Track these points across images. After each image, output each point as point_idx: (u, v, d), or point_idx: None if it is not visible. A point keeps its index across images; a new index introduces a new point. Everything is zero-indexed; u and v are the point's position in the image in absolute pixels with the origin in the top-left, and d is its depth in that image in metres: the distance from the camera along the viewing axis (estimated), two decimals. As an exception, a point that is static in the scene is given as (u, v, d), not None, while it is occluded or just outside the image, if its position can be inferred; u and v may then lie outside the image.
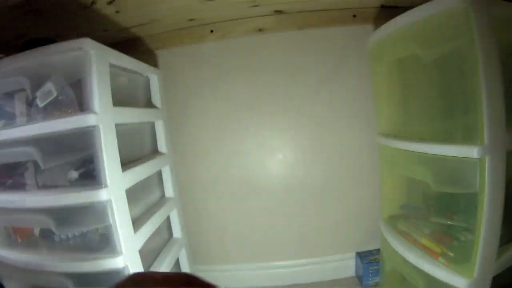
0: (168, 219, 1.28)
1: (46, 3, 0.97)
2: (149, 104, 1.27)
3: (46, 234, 1.02)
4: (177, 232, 1.32)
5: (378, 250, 1.36)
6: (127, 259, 0.85)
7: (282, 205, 1.45)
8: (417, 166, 0.91)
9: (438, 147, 0.82)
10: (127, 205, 0.89)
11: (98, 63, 0.83)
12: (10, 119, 0.96)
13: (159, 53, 1.44)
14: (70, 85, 0.89)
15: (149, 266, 1.05)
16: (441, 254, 0.86)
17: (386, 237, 1.08)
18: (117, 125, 0.89)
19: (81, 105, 0.85)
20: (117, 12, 1.10)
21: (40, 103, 0.90)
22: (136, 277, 0.35)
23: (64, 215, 0.86)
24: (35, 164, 0.92)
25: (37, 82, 0.89)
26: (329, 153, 1.41)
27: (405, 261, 0.95)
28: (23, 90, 0.91)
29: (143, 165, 1.04)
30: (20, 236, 1.03)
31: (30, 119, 0.92)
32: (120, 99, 0.94)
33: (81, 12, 1.06)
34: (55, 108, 0.89)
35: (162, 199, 1.27)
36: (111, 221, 0.82)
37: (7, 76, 0.89)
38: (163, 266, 1.08)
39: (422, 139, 0.90)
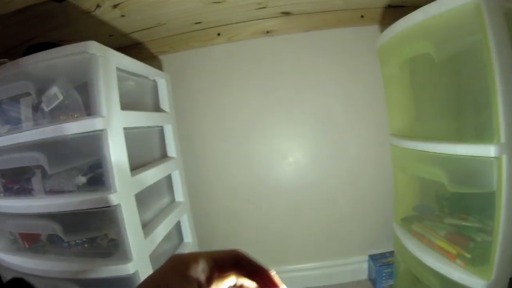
0: (178, 224, 1.26)
1: (50, 8, 0.96)
2: (157, 108, 1.25)
3: (54, 240, 0.99)
4: (187, 236, 1.30)
5: (391, 253, 1.33)
6: (137, 265, 0.82)
7: (294, 209, 1.43)
8: (431, 167, 0.89)
9: (453, 146, 0.79)
10: (137, 210, 0.87)
11: (104, 65, 0.81)
12: (15, 124, 0.94)
13: (166, 57, 1.43)
14: (76, 89, 0.87)
15: None
16: (458, 255, 0.83)
17: (401, 239, 1.05)
18: (125, 129, 0.87)
19: (88, 109, 0.83)
20: (122, 16, 1.09)
21: (46, 108, 0.88)
22: (175, 260, 0.29)
23: (72, 221, 0.84)
24: (42, 169, 0.90)
25: (43, 86, 0.87)
26: (341, 156, 1.40)
27: (421, 263, 0.93)
28: (28, 94, 0.90)
29: (152, 169, 1.02)
30: (27, 242, 1.01)
31: (36, 123, 0.90)
32: (127, 103, 0.93)
33: (85, 16, 1.05)
34: (61, 112, 0.87)
35: (172, 204, 1.25)
36: (120, 227, 0.80)
37: (12, 81, 0.88)
38: None
39: (435, 139, 0.87)
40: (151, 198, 1.08)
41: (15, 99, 0.94)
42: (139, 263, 0.84)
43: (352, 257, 1.44)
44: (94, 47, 0.79)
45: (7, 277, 1.04)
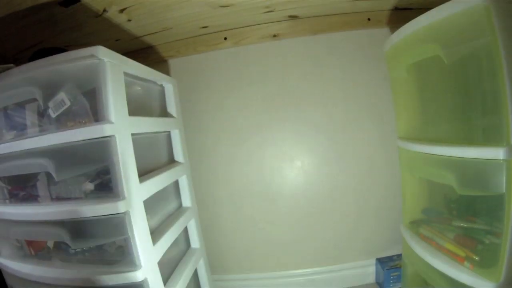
0: (185, 229, 1.23)
1: (56, 12, 0.95)
2: (164, 113, 1.23)
3: (61, 247, 0.97)
4: (195, 242, 1.27)
5: (398, 256, 1.32)
6: (146, 272, 0.80)
7: (301, 213, 1.42)
8: (440, 170, 0.88)
9: (462, 149, 0.78)
10: (145, 217, 0.84)
11: (113, 71, 0.79)
12: (21, 130, 0.93)
13: (172, 61, 1.41)
14: (83, 95, 0.86)
15: (168, 278, 1.00)
16: (466, 258, 0.82)
17: (409, 243, 1.03)
18: (133, 135, 0.85)
19: (96, 115, 0.82)
20: (129, 20, 1.08)
21: (53, 113, 0.85)
22: None
23: (80, 228, 0.81)
24: (48, 175, 0.88)
25: (49, 92, 0.85)
26: (348, 159, 1.38)
27: (429, 266, 0.91)
28: (34, 100, 0.88)
29: (160, 175, 1.00)
30: (34, 249, 0.99)
31: (42, 129, 0.88)
32: (135, 109, 0.90)
33: (92, 21, 1.04)
34: (69, 119, 0.85)
35: (180, 209, 1.22)
36: (129, 234, 0.78)
37: (18, 86, 0.86)
38: (182, 277, 1.04)
39: (443, 141, 0.86)
40: (158, 204, 1.06)
41: (21, 105, 0.92)
42: (148, 270, 0.82)
43: (360, 261, 1.43)
44: (103, 52, 0.77)
45: (12, 284, 1.03)
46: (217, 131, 1.42)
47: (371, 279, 1.43)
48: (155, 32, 1.23)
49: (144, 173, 0.95)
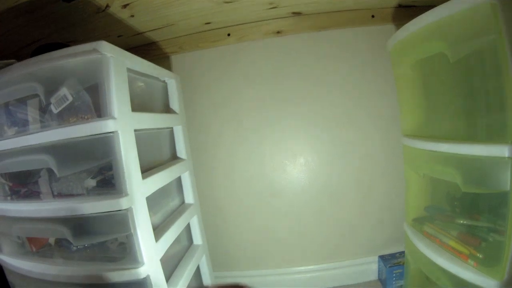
0: (187, 226, 1.23)
1: (58, 8, 0.94)
2: (166, 109, 1.22)
3: (62, 244, 0.97)
4: (197, 239, 1.27)
5: (401, 253, 1.31)
6: (149, 269, 0.79)
7: (303, 209, 1.41)
8: (444, 167, 0.87)
9: (467, 146, 0.77)
10: (148, 214, 0.83)
11: (116, 66, 0.77)
12: (23, 126, 0.92)
13: (175, 57, 1.40)
14: (86, 90, 0.84)
15: (170, 275, 1.00)
16: (470, 255, 0.82)
17: (412, 240, 1.03)
18: (136, 131, 0.84)
19: (98, 110, 0.80)
20: (132, 16, 1.07)
21: (55, 109, 0.84)
22: None
23: (82, 225, 0.79)
24: (50, 172, 0.86)
25: (51, 88, 0.83)
26: (350, 156, 1.37)
27: (432, 264, 0.91)
28: (36, 96, 0.86)
29: (163, 171, 0.99)
30: (35, 246, 0.98)
31: (44, 125, 0.86)
32: (138, 105, 0.89)
33: (94, 16, 1.02)
34: (71, 114, 0.84)
35: (182, 206, 1.22)
36: (132, 230, 0.77)
37: (19, 82, 0.84)
38: (185, 274, 1.03)
39: (448, 139, 0.86)
40: (161, 201, 1.05)
41: (22, 101, 0.90)
42: (151, 267, 0.81)
43: (362, 258, 1.42)
44: (105, 47, 0.75)
45: (13, 281, 1.02)
46: (220, 128, 1.40)
47: (374, 276, 1.42)
48: (158, 28, 1.21)
49: (147, 170, 0.94)
